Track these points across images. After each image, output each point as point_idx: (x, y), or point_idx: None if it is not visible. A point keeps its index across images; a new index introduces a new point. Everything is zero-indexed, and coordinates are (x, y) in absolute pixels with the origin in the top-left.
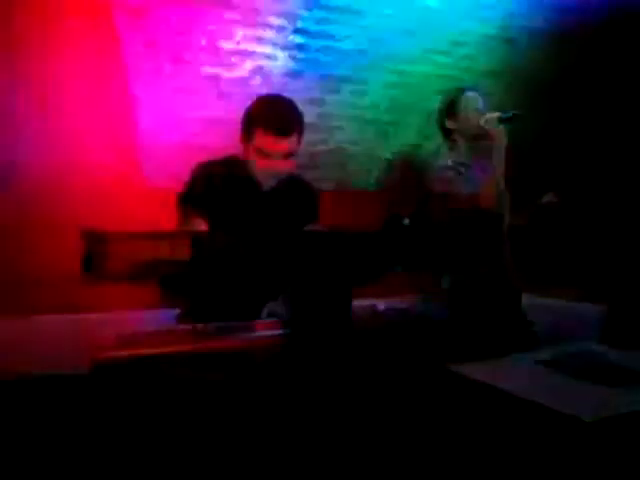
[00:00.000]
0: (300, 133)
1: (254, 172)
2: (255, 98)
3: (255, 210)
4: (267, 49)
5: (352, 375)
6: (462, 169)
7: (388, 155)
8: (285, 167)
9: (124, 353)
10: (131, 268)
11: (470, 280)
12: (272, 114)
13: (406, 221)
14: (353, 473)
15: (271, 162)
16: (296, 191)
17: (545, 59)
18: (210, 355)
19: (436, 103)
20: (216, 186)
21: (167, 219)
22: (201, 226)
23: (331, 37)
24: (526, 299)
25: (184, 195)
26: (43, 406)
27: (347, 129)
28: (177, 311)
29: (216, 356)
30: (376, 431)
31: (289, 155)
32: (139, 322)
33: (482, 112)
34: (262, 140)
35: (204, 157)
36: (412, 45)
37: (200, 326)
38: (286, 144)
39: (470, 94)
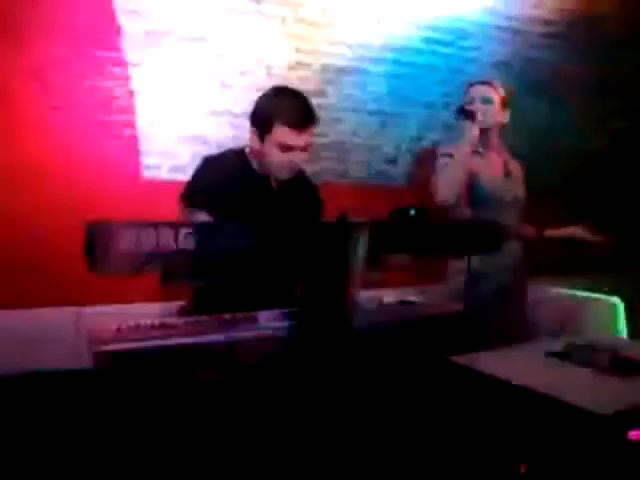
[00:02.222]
0: (315, 125)
1: (269, 166)
2: (266, 92)
3: (263, 210)
4: (269, 39)
5: (355, 369)
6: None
7: (389, 148)
8: (303, 159)
9: (127, 346)
10: (134, 259)
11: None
12: (291, 108)
13: (412, 212)
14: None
15: (290, 155)
16: (303, 190)
17: (555, 49)
18: (213, 347)
19: (439, 95)
20: (223, 184)
21: (167, 211)
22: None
23: (333, 27)
24: (536, 291)
25: (188, 191)
26: (45, 402)
27: (348, 121)
28: (180, 304)
29: (219, 348)
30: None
31: (306, 148)
32: (142, 315)
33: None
34: (283, 134)
35: (205, 149)
36: (415, 36)
37: (203, 318)
38: (307, 136)
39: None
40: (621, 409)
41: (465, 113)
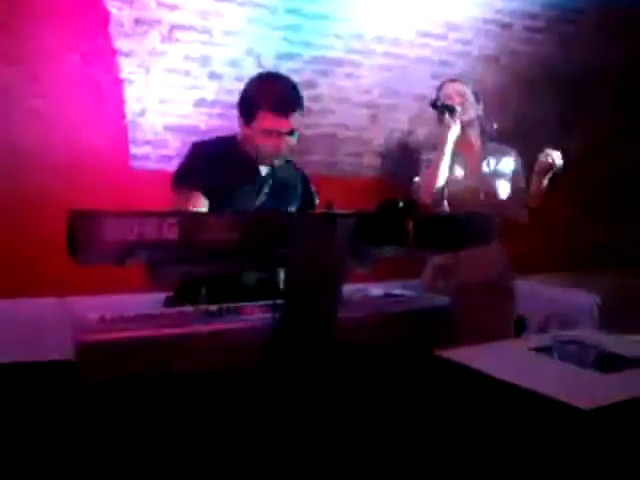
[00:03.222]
0: (302, 110)
1: (255, 153)
2: (252, 78)
3: (254, 194)
4: (259, 29)
5: (339, 363)
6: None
7: (380, 140)
8: (289, 145)
9: (110, 336)
10: (118, 249)
11: None
12: (274, 93)
13: (401, 204)
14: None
15: (276, 140)
16: (292, 176)
17: (543, 43)
18: (197, 339)
19: (430, 88)
20: (215, 166)
21: (154, 200)
22: (199, 204)
23: (324, 18)
24: (523, 286)
25: (181, 174)
26: (26, 393)
27: (339, 113)
28: (165, 295)
29: (203, 340)
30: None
31: (293, 132)
32: (126, 305)
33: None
34: (266, 120)
35: (194, 139)
36: (406, 28)
37: (188, 309)
38: (290, 122)
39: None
40: (604, 404)
41: (445, 108)
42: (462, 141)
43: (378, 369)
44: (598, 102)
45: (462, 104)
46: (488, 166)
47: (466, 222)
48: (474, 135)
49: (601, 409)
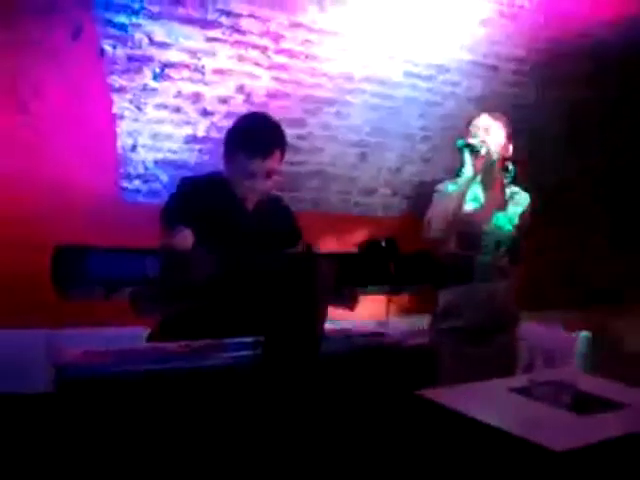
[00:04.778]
0: (282, 151)
1: (237, 191)
2: (237, 118)
3: (239, 229)
4: (250, 68)
5: (321, 400)
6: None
7: (368, 179)
8: (268, 186)
9: (91, 371)
10: (103, 284)
11: None
12: (251, 136)
13: (383, 244)
14: None
15: (254, 182)
16: (278, 212)
17: (527, 86)
18: (179, 375)
19: (417, 128)
20: (201, 202)
21: (145, 235)
22: (187, 239)
23: (314, 59)
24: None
25: (168, 210)
26: (5, 426)
27: (327, 151)
28: (148, 330)
29: (185, 376)
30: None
31: (271, 174)
32: (109, 339)
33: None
34: (243, 161)
35: (184, 174)
36: (395, 69)
37: (171, 345)
38: (267, 164)
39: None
40: (578, 446)
41: (470, 147)
42: (486, 179)
43: (358, 408)
44: (583, 141)
45: (487, 143)
46: (505, 208)
47: (446, 262)
48: (496, 175)
49: (573, 451)
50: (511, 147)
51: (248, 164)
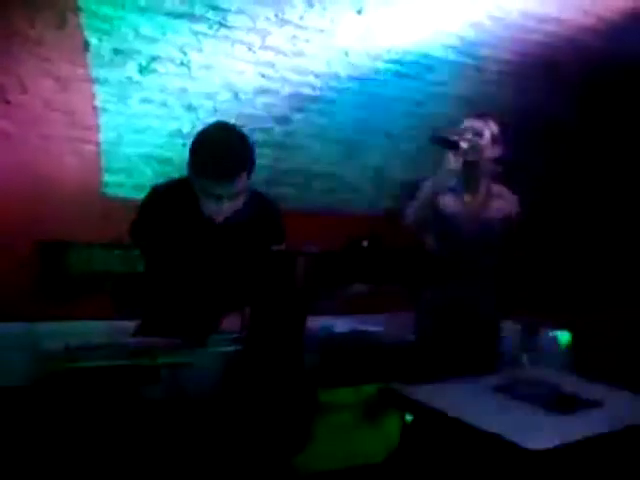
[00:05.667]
0: (249, 170)
1: (204, 209)
2: (198, 134)
3: (206, 245)
4: (236, 64)
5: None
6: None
7: (353, 176)
8: (234, 206)
9: (73, 365)
10: (85, 279)
11: None
12: (211, 163)
13: (365, 243)
14: None
15: (220, 205)
16: (259, 210)
17: (511, 87)
18: (160, 369)
19: (403, 127)
20: (169, 216)
21: (128, 230)
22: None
23: (301, 56)
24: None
25: (136, 225)
26: None
27: (312, 148)
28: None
29: (166, 370)
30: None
31: (239, 195)
32: (91, 334)
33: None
34: (206, 184)
35: (168, 170)
36: (382, 68)
37: (153, 340)
38: (233, 188)
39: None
40: (554, 445)
41: (446, 142)
42: (469, 178)
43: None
44: (567, 142)
45: (470, 142)
46: (490, 206)
47: (429, 262)
48: (481, 175)
49: (548, 450)
50: (498, 148)
51: (213, 188)
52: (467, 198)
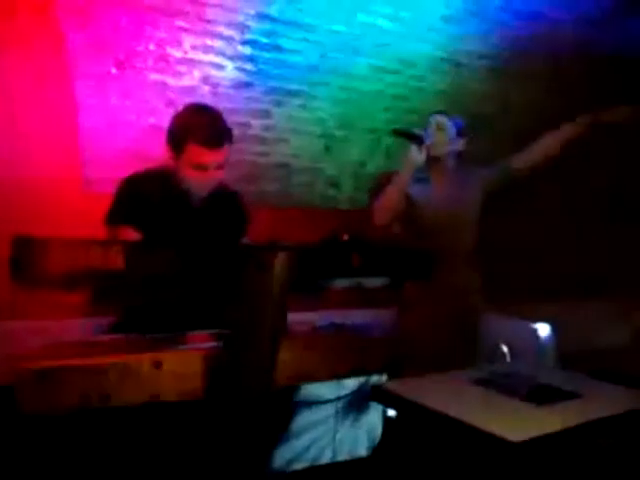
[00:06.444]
0: (229, 145)
1: (187, 185)
2: (180, 110)
3: (186, 225)
4: (215, 59)
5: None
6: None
7: (333, 171)
8: (219, 177)
9: (49, 364)
10: (63, 275)
11: None
12: (203, 127)
13: (345, 237)
14: None
15: (206, 174)
16: (226, 203)
17: (491, 83)
18: (139, 367)
19: (383, 122)
20: (145, 201)
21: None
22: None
23: (280, 50)
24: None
25: (112, 212)
26: None
27: (292, 143)
28: (109, 321)
29: (146, 368)
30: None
31: (221, 167)
32: (69, 331)
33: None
34: (196, 153)
35: (147, 164)
36: (362, 63)
37: (132, 336)
38: (220, 155)
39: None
40: (533, 436)
41: (408, 136)
42: (435, 170)
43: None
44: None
45: (437, 136)
46: (459, 198)
47: (408, 257)
48: (446, 168)
49: (529, 441)
50: (462, 142)
51: (200, 155)
52: (435, 188)
